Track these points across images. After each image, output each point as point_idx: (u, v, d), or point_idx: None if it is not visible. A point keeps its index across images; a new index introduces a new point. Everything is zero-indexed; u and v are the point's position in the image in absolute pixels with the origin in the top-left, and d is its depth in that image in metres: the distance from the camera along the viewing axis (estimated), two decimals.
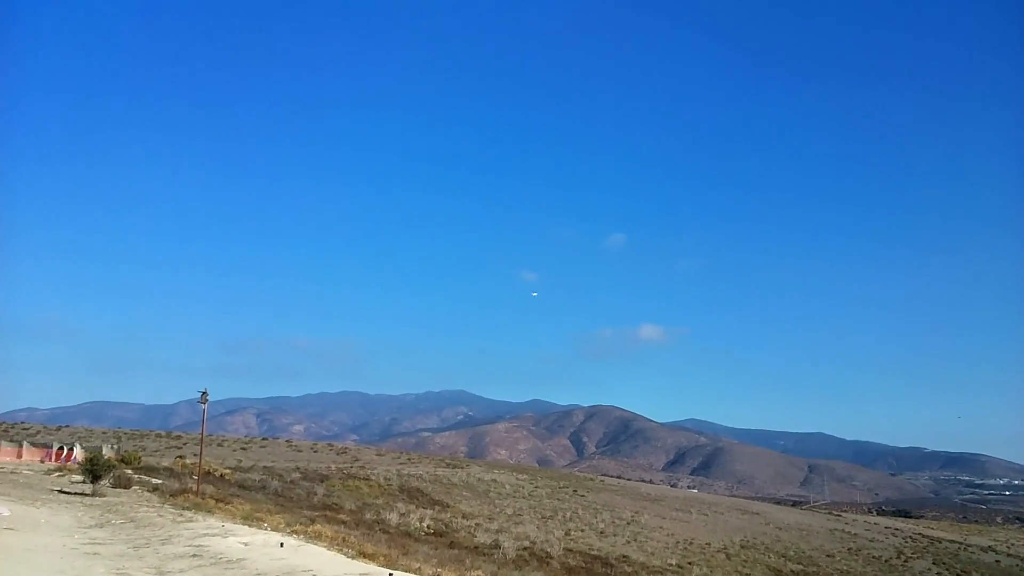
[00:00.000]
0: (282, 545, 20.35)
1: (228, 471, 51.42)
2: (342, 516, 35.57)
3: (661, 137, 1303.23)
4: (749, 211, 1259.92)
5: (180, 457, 62.30)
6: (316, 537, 23.06)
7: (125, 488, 35.47)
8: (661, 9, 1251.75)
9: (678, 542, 60.53)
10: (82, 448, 55.05)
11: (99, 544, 18.86)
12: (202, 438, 47.52)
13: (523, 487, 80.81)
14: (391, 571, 17.37)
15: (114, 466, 38.13)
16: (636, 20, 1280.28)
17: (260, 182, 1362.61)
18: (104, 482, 34.32)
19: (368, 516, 38.47)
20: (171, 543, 19.72)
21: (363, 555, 20.44)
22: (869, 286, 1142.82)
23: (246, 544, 20.18)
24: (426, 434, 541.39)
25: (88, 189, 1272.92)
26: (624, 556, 46.68)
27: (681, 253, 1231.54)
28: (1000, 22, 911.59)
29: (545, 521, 59.18)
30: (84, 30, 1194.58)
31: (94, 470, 33.82)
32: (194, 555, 18.03)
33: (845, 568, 62.87)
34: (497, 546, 35.73)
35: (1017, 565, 79.84)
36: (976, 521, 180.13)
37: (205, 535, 21.41)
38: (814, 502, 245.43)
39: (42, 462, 52.96)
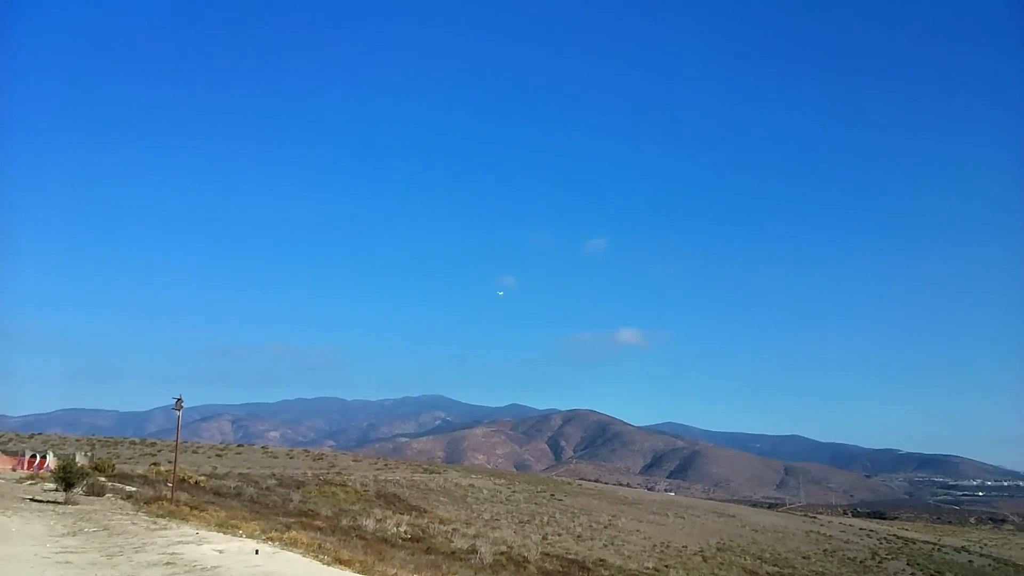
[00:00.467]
0: (257, 552, 20.37)
1: (203, 478, 51.02)
2: (318, 522, 35.46)
3: (641, 142, 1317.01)
4: (727, 216, 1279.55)
5: (154, 464, 61.63)
6: (292, 544, 23.05)
7: (98, 496, 35.04)
8: (637, 15, 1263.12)
9: (655, 545, 60.95)
10: (55, 456, 54.21)
11: (71, 553, 18.74)
12: (176, 445, 47.16)
13: (500, 492, 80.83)
14: None
15: (87, 474, 37.76)
16: (613, 26, 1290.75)
17: (236, 190, 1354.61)
18: (77, 490, 33.94)
19: (344, 522, 38.40)
20: (145, 551, 19.64)
21: (339, 561, 20.53)
22: (845, 290, 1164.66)
23: (221, 552, 20.15)
24: (403, 439, 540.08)
25: (62, 197, 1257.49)
26: (601, 560, 46.96)
27: (659, 257, 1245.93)
28: (1000, 22, 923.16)
29: (523, 525, 59.28)
30: (76, 37, 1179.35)
31: (67, 478, 33.50)
32: (168, 563, 18.00)
33: (820, 570, 63.67)
34: (474, 551, 35.87)
35: (990, 565, 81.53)
36: (950, 522, 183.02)
37: (179, 543, 21.33)
38: (790, 504, 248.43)
39: (14, 470, 52.03)
